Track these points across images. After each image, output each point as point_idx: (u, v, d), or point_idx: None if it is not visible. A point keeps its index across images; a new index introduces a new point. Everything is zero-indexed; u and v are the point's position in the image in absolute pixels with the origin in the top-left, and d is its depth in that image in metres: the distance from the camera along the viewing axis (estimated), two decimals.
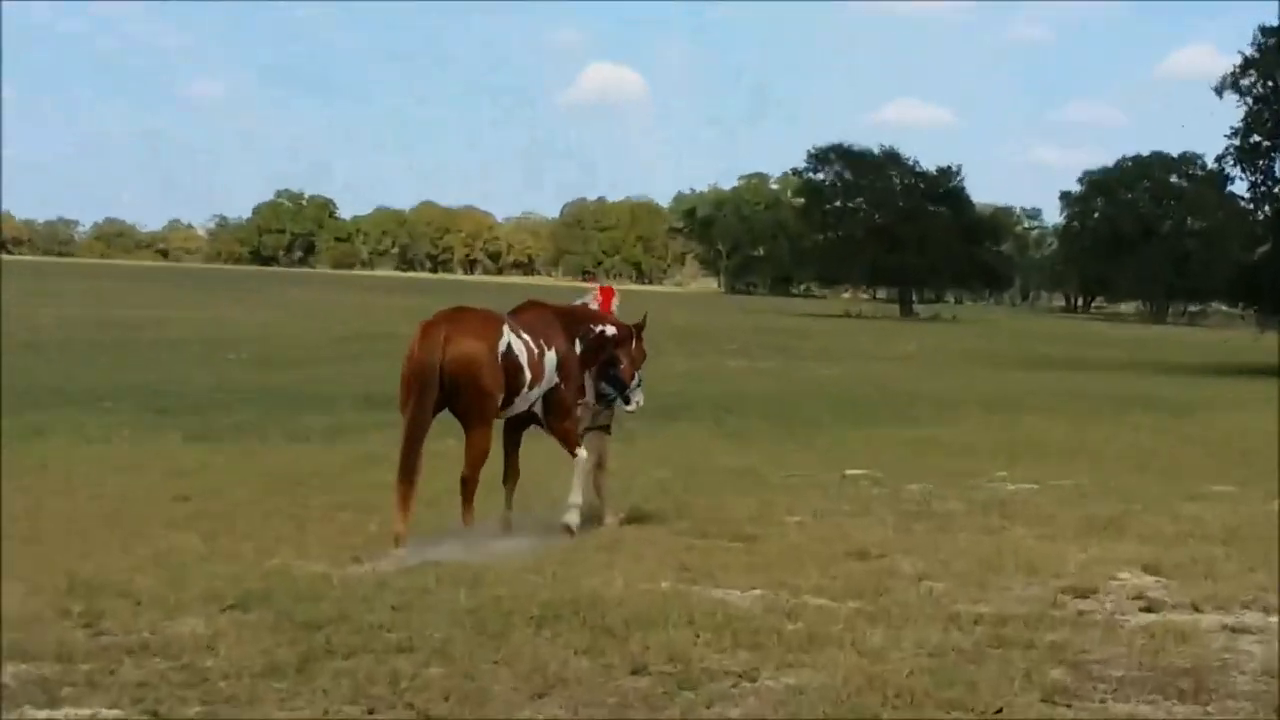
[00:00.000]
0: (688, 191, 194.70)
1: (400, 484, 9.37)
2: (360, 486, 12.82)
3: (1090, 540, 10.45)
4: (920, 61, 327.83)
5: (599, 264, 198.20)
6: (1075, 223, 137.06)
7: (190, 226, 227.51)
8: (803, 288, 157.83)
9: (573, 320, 10.73)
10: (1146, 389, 34.51)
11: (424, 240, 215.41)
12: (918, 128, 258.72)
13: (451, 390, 9.54)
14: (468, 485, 9.83)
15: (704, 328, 57.78)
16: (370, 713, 5.91)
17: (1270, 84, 54.26)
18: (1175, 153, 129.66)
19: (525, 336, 10.02)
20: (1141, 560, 9.56)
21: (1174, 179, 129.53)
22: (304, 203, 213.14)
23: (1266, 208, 56.16)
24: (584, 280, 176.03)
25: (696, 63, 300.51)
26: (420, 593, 7.97)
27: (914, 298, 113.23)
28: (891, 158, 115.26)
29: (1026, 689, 6.33)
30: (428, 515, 10.11)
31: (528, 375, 9.94)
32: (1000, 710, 6.03)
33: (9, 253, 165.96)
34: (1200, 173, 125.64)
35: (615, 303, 11.36)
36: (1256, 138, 55.02)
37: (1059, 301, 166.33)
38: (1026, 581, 8.79)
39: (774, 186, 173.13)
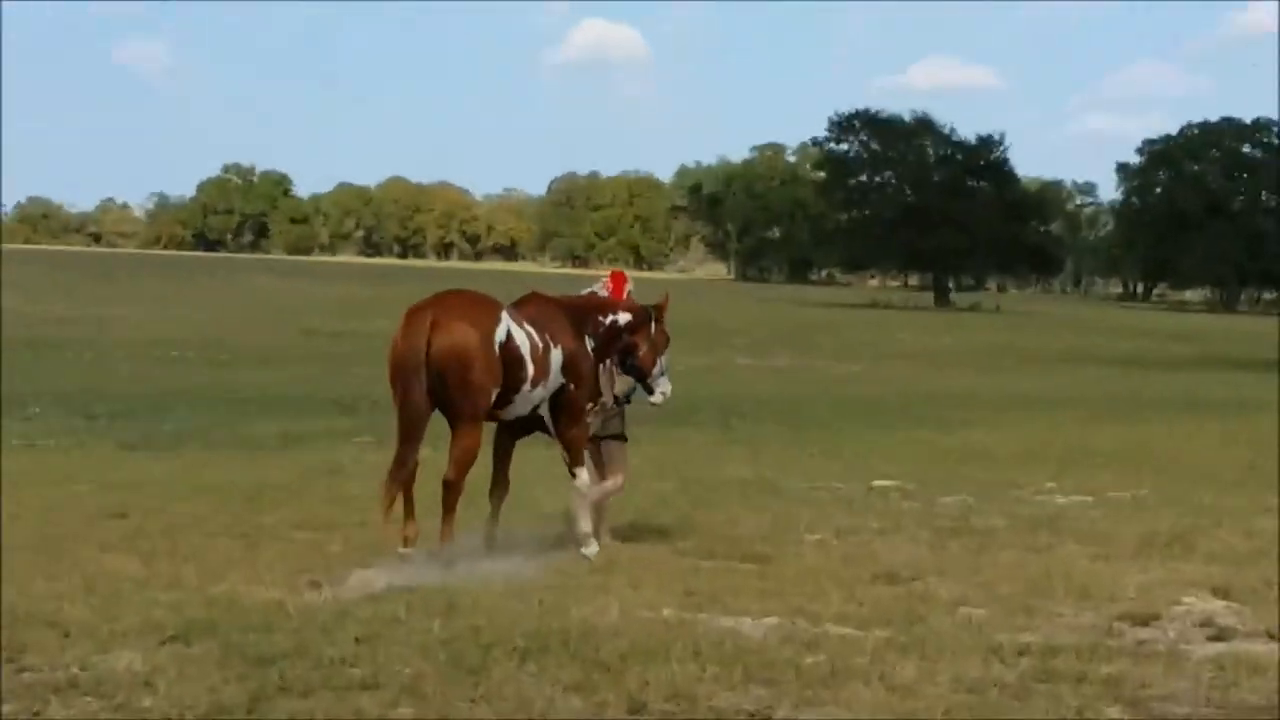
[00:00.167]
0: (692, 165, 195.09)
1: (389, 485, 9.41)
2: (320, 501, 12.80)
3: (1151, 560, 10.45)
4: (957, 15, 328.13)
5: (591, 248, 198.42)
6: (1134, 199, 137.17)
7: (126, 207, 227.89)
8: (824, 274, 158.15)
9: (582, 313, 10.69)
10: (1215, 388, 34.55)
11: (392, 221, 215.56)
12: (955, 90, 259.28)
13: (439, 383, 9.56)
14: (450, 491, 9.77)
15: (711, 320, 57.81)
16: None
17: None
18: (1248, 118, 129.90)
19: (528, 327, 10.04)
20: (1210, 582, 9.56)
21: (1247, 148, 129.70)
22: (255, 179, 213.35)
23: None
24: (573, 266, 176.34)
25: (701, 17, 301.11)
26: (388, 622, 7.96)
27: (951, 285, 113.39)
28: (925, 125, 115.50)
29: None
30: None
31: (530, 370, 9.93)
32: None
33: None
34: (1277, 141, 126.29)
35: (629, 289, 11.31)
36: None
37: (1115, 289, 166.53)
38: (1078, 607, 8.79)
39: (791, 159, 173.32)
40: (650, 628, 7.89)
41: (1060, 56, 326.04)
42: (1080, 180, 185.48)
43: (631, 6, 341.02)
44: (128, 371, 31.72)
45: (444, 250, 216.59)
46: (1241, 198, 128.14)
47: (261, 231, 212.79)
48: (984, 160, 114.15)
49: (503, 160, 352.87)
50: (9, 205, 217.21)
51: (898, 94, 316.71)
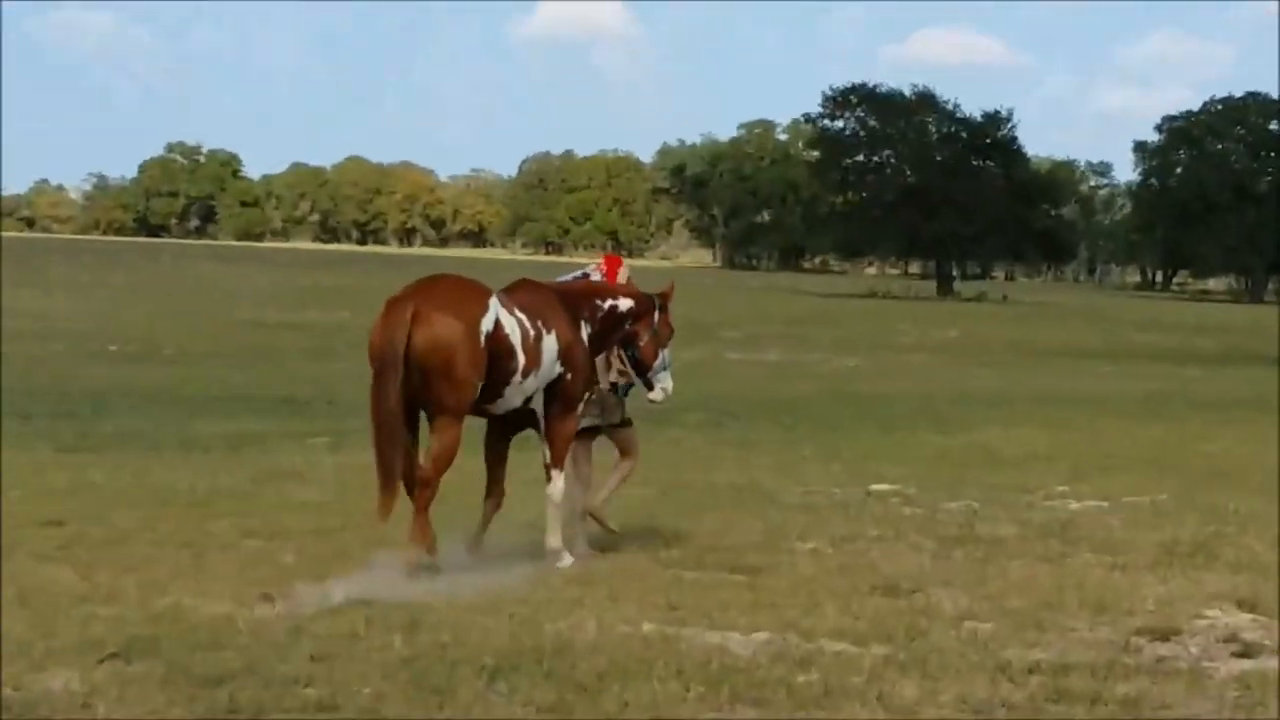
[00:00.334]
0: (675, 144, 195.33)
1: (382, 495, 9.49)
2: (271, 507, 12.79)
3: (1171, 570, 10.48)
4: None
5: (565, 233, 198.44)
6: (1153, 180, 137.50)
7: (61, 189, 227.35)
8: (818, 261, 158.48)
9: (576, 299, 10.73)
10: (1239, 385, 34.65)
11: (350, 205, 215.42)
12: (959, 63, 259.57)
13: (420, 380, 9.59)
14: (424, 488, 9.76)
15: (697, 311, 57.76)
16: None
17: None
18: (1275, 93, 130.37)
19: (520, 314, 10.08)
20: (1235, 594, 9.60)
21: (1274, 125, 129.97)
22: (201, 158, 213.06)
23: None
24: (546, 253, 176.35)
25: None
26: (346, 639, 7.96)
27: (955, 273, 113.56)
28: (926, 100, 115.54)
29: None
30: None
31: (520, 360, 9.99)
32: None
33: None
34: None
35: (624, 274, 11.36)
36: None
37: (1133, 277, 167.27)
38: (1093, 621, 8.82)
39: (782, 137, 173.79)
40: (630, 644, 7.90)
41: (1073, 26, 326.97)
42: (1095, 160, 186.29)
43: None
44: (64, 368, 31.62)
45: (406, 236, 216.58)
46: (1269, 179, 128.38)
47: (209, 215, 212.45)
48: (990, 138, 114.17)
49: (470, 139, 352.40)
50: None
51: (898, 67, 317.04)
